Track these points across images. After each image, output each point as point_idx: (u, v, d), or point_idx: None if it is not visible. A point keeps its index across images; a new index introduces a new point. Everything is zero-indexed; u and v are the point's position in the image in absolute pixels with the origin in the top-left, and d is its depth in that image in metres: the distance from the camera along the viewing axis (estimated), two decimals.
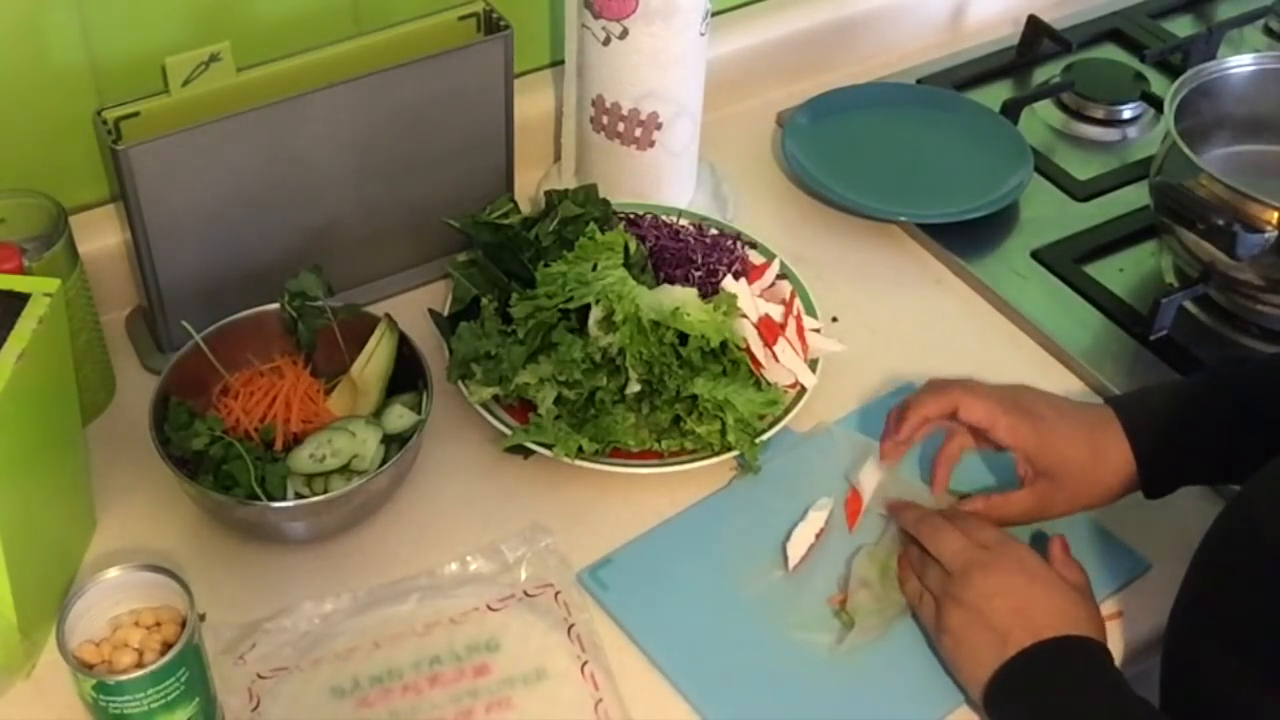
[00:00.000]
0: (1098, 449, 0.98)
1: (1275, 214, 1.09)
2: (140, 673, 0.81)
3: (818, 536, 1.02)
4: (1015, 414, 0.99)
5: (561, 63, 1.24)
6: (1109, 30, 1.55)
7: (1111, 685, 0.88)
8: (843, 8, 1.45)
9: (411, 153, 1.14)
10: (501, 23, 1.14)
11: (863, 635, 0.96)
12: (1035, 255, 1.27)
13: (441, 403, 1.06)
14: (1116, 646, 0.98)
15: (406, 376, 1.06)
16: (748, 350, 1.06)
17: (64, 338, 0.93)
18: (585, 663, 0.94)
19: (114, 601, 0.85)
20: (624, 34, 1.14)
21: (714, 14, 1.18)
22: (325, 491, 0.99)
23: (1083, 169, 1.37)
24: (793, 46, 1.43)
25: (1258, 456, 0.89)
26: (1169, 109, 1.19)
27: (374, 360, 1.05)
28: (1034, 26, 1.49)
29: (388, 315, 1.07)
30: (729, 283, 1.09)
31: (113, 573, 0.85)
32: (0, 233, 0.99)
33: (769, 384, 1.07)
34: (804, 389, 1.09)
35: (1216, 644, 0.83)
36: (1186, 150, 1.14)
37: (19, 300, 0.88)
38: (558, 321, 1.04)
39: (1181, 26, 1.56)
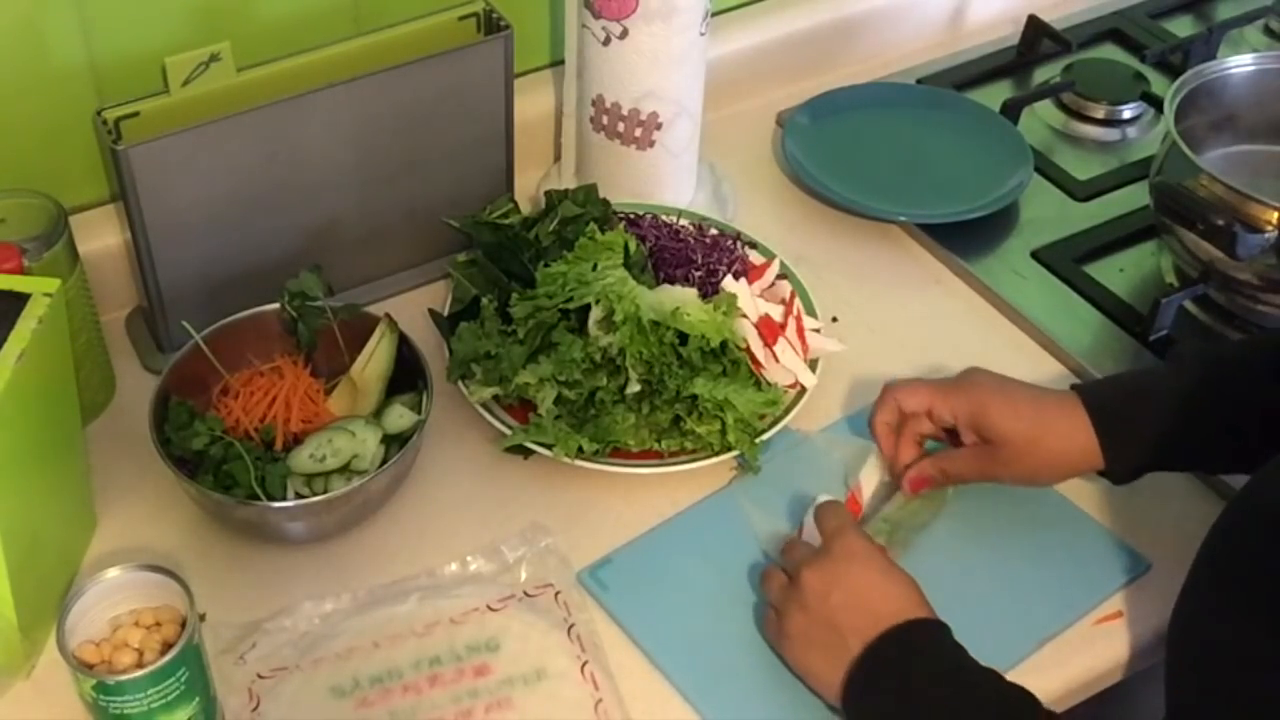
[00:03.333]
0: (1043, 422, 0.98)
1: (1275, 214, 1.09)
2: (140, 673, 0.81)
3: None
4: (952, 392, 1.01)
5: (561, 63, 1.24)
6: (1109, 30, 1.54)
7: (957, 663, 0.87)
8: (843, 8, 1.45)
9: (411, 153, 1.14)
10: (501, 23, 1.14)
11: None
12: (1035, 255, 1.27)
13: (441, 403, 1.06)
14: (1117, 646, 0.98)
15: (406, 376, 1.06)
16: (748, 350, 1.06)
17: (64, 338, 0.93)
18: (585, 663, 0.94)
19: (114, 601, 0.85)
20: (624, 34, 1.14)
21: (714, 14, 1.18)
22: (325, 491, 0.99)
23: (1083, 169, 1.37)
24: (793, 46, 1.43)
25: (1224, 438, 0.89)
26: (1169, 109, 1.19)
27: (374, 360, 1.05)
28: (1034, 26, 1.49)
29: (388, 315, 1.07)
30: (729, 283, 1.09)
31: (113, 573, 0.85)
32: (0, 233, 0.99)
33: (769, 384, 1.07)
34: (804, 389, 1.09)
35: (1229, 630, 0.82)
36: (1186, 150, 1.14)
37: (19, 300, 0.88)
38: (558, 321, 1.04)
39: (1181, 26, 1.56)
